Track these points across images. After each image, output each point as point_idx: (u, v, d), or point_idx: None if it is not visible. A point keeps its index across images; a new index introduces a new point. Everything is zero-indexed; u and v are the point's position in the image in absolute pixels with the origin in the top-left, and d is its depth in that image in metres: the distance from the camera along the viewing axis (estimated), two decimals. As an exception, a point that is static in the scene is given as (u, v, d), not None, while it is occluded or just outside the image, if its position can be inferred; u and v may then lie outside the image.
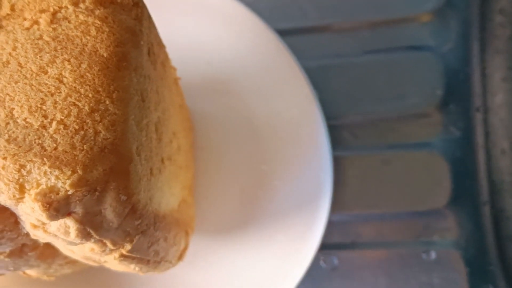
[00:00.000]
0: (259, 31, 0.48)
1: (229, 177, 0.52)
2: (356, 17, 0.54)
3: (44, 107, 0.27)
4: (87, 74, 0.28)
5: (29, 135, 0.27)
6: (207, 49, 0.51)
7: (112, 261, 0.34)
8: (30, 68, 0.28)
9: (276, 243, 0.49)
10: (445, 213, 0.52)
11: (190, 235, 0.45)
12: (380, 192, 0.53)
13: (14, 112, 0.27)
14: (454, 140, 0.52)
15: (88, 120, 0.27)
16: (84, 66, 0.28)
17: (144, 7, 0.32)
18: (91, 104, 0.27)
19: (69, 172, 0.26)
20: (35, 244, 0.35)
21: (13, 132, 0.27)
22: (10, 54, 0.28)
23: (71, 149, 0.26)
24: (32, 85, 0.28)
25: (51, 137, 0.27)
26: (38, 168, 0.26)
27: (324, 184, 0.46)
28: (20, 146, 0.26)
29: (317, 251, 0.53)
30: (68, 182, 0.26)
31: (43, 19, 0.29)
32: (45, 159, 0.26)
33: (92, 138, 0.27)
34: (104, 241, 0.30)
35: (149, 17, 0.33)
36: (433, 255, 0.52)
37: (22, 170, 0.26)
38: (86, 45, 0.29)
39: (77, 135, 0.27)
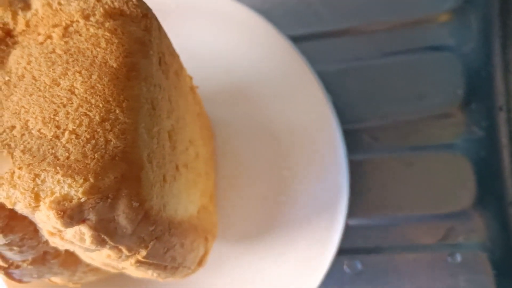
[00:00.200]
0: (273, 39, 0.48)
1: (251, 184, 0.52)
2: (373, 20, 0.54)
3: (57, 118, 0.28)
4: (98, 84, 0.29)
5: (43, 145, 0.28)
6: (225, 58, 0.52)
7: (130, 268, 0.34)
8: (44, 80, 0.29)
9: (298, 248, 0.49)
10: (470, 214, 0.51)
11: (210, 241, 0.45)
12: (404, 195, 0.53)
13: (29, 123, 0.28)
14: (477, 140, 0.51)
15: (99, 129, 0.28)
16: (94, 77, 0.29)
17: (153, 18, 0.32)
18: (101, 114, 0.28)
19: (81, 180, 0.27)
20: (57, 252, 0.36)
21: (28, 143, 0.28)
22: (25, 68, 0.30)
23: (83, 158, 0.27)
24: (46, 97, 0.29)
25: (64, 146, 0.27)
26: (52, 177, 0.27)
27: (342, 188, 0.46)
28: (34, 156, 0.27)
29: (341, 256, 0.53)
30: (81, 190, 0.27)
31: (56, 33, 0.30)
32: (58, 168, 0.27)
33: (103, 146, 0.28)
34: (120, 247, 0.31)
35: (159, 27, 0.34)
36: (458, 258, 0.51)
37: (36, 179, 0.27)
38: (97, 57, 0.29)
39: (89, 144, 0.27)
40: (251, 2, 0.56)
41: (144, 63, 0.31)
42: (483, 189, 0.51)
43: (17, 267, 0.35)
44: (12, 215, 0.29)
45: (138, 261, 0.33)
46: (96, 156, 0.27)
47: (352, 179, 0.53)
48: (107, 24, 0.30)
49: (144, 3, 0.32)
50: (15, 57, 0.30)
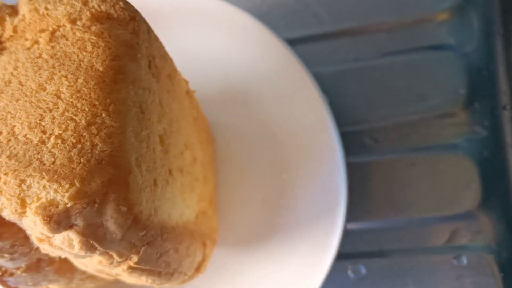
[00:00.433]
0: (270, 42, 0.48)
1: (252, 188, 0.52)
2: (372, 20, 0.53)
3: (43, 123, 0.28)
4: (84, 88, 0.28)
5: (29, 150, 0.27)
6: (224, 62, 0.52)
7: (123, 274, 0.34)
8: (30, 86, 0.29)
9: (299, 253, 0.48)
10: (475, 216, 0.50)
11: (209, 246, 0.45)
12: (407, 197, 0.52)
13: (15, 129, 0.28)
14: (480, 140, 0.50)
15: (85, 134, 0.28)
16: (80, 81, 0.29)
17: (141, 21, 0.32)
18: (87, 118, 0.28)
19: (67, 185, 0.26)
20: (51, 259, 0.36)
21: (14, 149, 0.27)
22: (11, 73, 0.29)
23: (69, 163, 0.27)
24: (32, 102, 0.29)
25: (50, 151, 0.27)
26: (38, 182, 0.27)
27: (340, 190, 0.45)
28: (20, 162, 0.27)
29: (345, 260, 0.52)
30: (67, 195, 0.26)
31: (43, 38, 0.30)
32: (44, 173, 0.27)
33: (89, 151, 0.27)
34: (110, 253, 0.31)
35: (148, 30, 0.33)
36: (464, 260, 0.50)
37: (22, 184, 0.27)
38: (83, 61, 0.29)
39: (75, 149, 0.27)
40: (250, 4, 0.56)
41: (131, 66, 0.30)
42: (488, 189, 0.50)
43: (11, 274, 0.35)
44: (0, 221, 0.28)
45: (130, 267, 0.32)
46: (82, 160, 0.27)
47: (354, 181, 0.53)
48: (93, 28, 0.30)
49: (132, 6, 0.32)
50: (2, 63, 0.30)
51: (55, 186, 0.26)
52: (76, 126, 0.28)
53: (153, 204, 0.32)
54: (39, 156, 0.27)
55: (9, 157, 0.27)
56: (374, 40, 0.53)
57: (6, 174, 0.27)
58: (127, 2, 0.32)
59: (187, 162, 0.41)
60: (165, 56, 0.37)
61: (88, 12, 0.31)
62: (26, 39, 0.31)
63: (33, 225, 0.27)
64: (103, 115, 0.28)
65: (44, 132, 0.28)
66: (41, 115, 0.28)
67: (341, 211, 0.45)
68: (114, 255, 0.31)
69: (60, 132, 0.28)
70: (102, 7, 0.31)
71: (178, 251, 0.36)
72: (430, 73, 0.52)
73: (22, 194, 0.27)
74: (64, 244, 0.29)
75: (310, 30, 0.54)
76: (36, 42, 0.30)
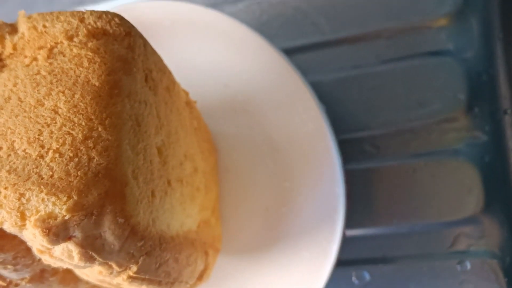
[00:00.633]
0: (267, 53, 0.49)
1: (255, 196, 0.52)
2: (370, 27, 0.53)
3: (41, 138, 0.29)
4: (80, 103, 0.29)
5: (28, 164, 0.28)
6: (223, 72, 0.52)
7: (123, 283, 0.35)
8: (29, 102, 0.30)
9: (301, 260, 0.49)
10: (478, 221, 0.50)
11: (211, 255, 0.45)
12: (409, 203, 0.52)
13: (15, 144, 0.29)
14: (481, 144, 0.50)
15: (81, 147, 0.28)
16: (77, 96, 0.29)
17: (136, 36, 0.33)
18: (84, 132, 0.29)
19: (65, 198, 0.27)
20: (54, 269, 0.36)
21: (14, 163, 0.28)
22: (11, 90, 0.30)
23: (66, 176, 0.28)
24: (31, 117, 0.29)
25: (48, 165, 0.28)
26: (36, 196, 0.27)
27: (338, 197, 0.46)
28: (19, 176, 0.28)
29: (349, 267, 0.53)
30: (64, 207, 0.27)
31: (41, 55, 0.31)
32: (42, 187, 0.27)
33: (86, 164, 0.28)
34: (109, 263, 0.31)
35: (145, 45, 0.34)
36: (467, 265, 0.49)
37: (22, 198, 0.27)
38: (79, 76, 0.30)
39: (72, 162, 0.28)
40: (250, 15, 0.56)
41: (127, 80, 0.31)
42: (490, 194, 0.50)
43: (16, 285, 0.36)
44: (1, 234, 0.29)
45: (130, 277, 0.33)
46: (79, 173, 0.28)
47: (356, 188, 0.53)
48: (90, 44, 0.31)
49: (127, 22, 0.33)
50: (3, 79, 0.31)
51: (53, 199, 0.27)
52: (73, 140, 0.28)
53: (151, 215, 0.33)
54: (37, 170, 0.28)
55: (9, 172, 0.28)
56: (373, 47, 0.53)
57: (6, 188, 0.28)
58: (123, 18, 0.33)
59: (187, 172, 0.42)
60: (163, 69, 0.38)
61: (84, 29, 0.31)
62: (25, 56, 0.31)
63: (33, 237, 0.28)
64: (99, 129, 0.29)
65: (42, 146, 0.29)
66: (39, 130, 0.29)
67: (339, 218, 0.45)
68: (114, 265, 0.31)
69: (57, 146, 0.28)
70: (98, 23, 0.32)
71: (178, 261, 0.37)
72: (430, 79, 0.52)
73: (21, 208, 0.27)
74: (64, 255, 0.30)
75: (309, 38, 0.55)
76: (35, 59, 0.31)
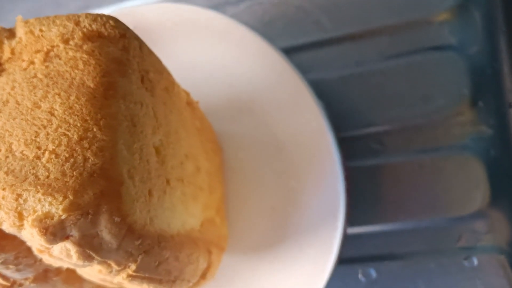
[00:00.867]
0: (267, 53, 0.49)
1: (261, 196, 0.52)
2: (372, 24, 0.53)
3: (38, 139, 0.29)
4: (75, 105, 0.30)
5: (25, 166, 0.29)
6: (227, 72, 0.52)
7: (124, 282, 0.35)
8: (26, 104, 0.30)
9: (307, 259, 0.49)
10: (485, 216, 0.49)
11: (215, 254, 0.46)
12: (415, 199, 0.52)
13: (12, 146, 0.30)
14: (486, 139, 0.50)
15: (77, 148, 0.29)
16: (72, 98, 0.30)
17: (132, 37, 0.33)
18: (79, 133, 0.29)
19: (61, 198, 0.28)
20: (58, 269, 0.37)
21: (11, 165, 0.29)
22: (9, 93, 0.31)
23: (62, 176, 0.28)
24: (28, 120, 0.30)
25: (44, 166, 0.29)
26: (33, 196, 0.28)
27: (339, 195, 0.46)
28: (17, 177, 0.28)
29: (355, 264, 0.53)
30: (61, 207, 0.28)
31: (38, 58, 0.32)
32: (38, 187, 0.28)
33: (82, 164, 0.28)
34: (108, 262, 0.32)
35: (140, 46, 0.35)
36: (475, 261, 0.49)
37: (19, 199, 0.28)
38: (75, 79, 0.31)
39: (67, 163, 0.28)
40: (252, 15, 0.57)
41: (122, 81, 0.31)
42: (497, 189, 0.49)
43: (20, 285, 0.37)
44: (1, 234, 0.30)
45: (129, 275, 0.33)
46: (74, 174, 0.28)
47: (362, 185, 0.53)
48: (85, 47, 0.32)
49: (122, 24, 0.33)
50: (1, 84, 0.32)
51: (49, 199, 0.28)
52: (68, 141, 0.29)
53: (149, 214, 0.33)
54: (34, 171, 0.28)
55: (6, 173, 0.29)
56: (376, 44, 0.53)
57: (4, 189, 0.28)
58: (118, 20, 0.33)
59: (189, 172, 0.42)
60: (160, 70, 0.38)
61: (80, 32, 0.32)
62: (23, 60, 0.32)
63: (31, 237, 0.29)
64: (95, 129, 0.29)
65: (39, 148, 0.29)
66: (36, 131, 0.30)
67: (341, 215, 0.45)
68: (112, 264, 0.32)
69: (53, 147, 0.29)
70: (93, 26, 0.32)
71: (178, 259, 0.37)
72: (433, 74, 0.52)
73: (19, 208, 0.28)
74: (62, 255, 0.30)
75: (312, 37, 0.55)
76: (32, 62, 0.32)
